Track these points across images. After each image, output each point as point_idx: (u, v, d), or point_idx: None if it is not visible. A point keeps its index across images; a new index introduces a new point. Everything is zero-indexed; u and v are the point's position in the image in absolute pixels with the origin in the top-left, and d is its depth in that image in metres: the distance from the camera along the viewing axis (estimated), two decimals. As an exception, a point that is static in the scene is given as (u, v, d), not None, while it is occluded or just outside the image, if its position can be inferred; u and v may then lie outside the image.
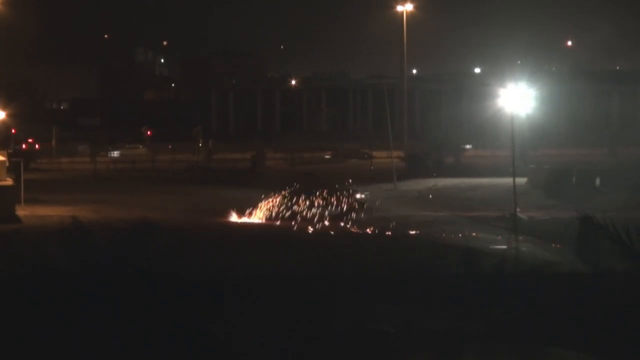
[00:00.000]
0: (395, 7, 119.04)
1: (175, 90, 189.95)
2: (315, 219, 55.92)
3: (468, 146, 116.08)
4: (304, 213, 57.18)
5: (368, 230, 51.66)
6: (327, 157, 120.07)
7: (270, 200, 58.01)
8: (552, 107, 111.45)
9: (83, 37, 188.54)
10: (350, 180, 66.19)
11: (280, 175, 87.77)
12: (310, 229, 52.20)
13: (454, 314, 16.67)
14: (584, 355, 15.94)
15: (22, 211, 56.13)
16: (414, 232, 50.61)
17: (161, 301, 13.57)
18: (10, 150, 79.56)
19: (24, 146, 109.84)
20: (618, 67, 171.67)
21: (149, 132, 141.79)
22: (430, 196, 69.59)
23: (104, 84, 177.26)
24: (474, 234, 49.00)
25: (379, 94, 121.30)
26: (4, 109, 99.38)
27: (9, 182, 58.09)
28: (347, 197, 59.40)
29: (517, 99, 56.59)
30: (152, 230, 14.59)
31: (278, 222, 55.74)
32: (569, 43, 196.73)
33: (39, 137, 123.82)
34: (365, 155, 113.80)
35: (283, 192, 58.23)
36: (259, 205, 57.96)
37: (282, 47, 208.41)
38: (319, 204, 58.08)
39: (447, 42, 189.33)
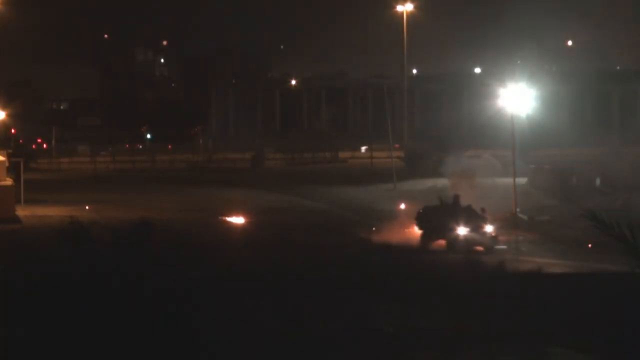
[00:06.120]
0: (395, 7, 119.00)
1: (175, 90, 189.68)
2: None
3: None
4: None
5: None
6: None
7: None
8: (552, 107, 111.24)
9: (83, 37, 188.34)
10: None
11: (279, 176, 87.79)
12: None
13: (454, 314, 16.65)
14: (583, 356, 15.93)
15: (22, 211, 56.08)
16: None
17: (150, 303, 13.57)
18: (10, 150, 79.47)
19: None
20: (618, 67, 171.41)
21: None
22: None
23: (104, 84, 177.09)
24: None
25: (379, 94, 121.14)
26: (4, 109, 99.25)
27: (9, 182, 58.03)
28: None
29: (517, 99, 56.61)
30: (150, 231, 14.57)
31: None
32: (569, 43, 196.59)
33: (38, 137, 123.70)
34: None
35: None
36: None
37: (282, 47, 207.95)
38: None
39: (447, 42, 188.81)
